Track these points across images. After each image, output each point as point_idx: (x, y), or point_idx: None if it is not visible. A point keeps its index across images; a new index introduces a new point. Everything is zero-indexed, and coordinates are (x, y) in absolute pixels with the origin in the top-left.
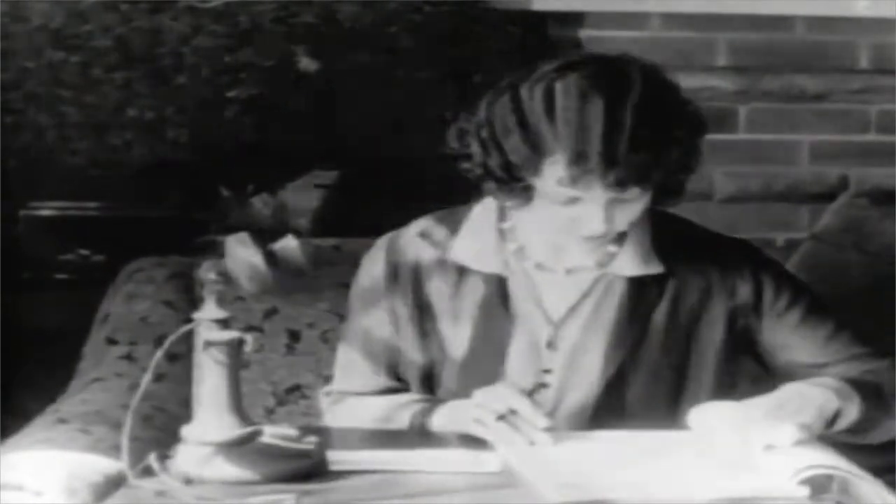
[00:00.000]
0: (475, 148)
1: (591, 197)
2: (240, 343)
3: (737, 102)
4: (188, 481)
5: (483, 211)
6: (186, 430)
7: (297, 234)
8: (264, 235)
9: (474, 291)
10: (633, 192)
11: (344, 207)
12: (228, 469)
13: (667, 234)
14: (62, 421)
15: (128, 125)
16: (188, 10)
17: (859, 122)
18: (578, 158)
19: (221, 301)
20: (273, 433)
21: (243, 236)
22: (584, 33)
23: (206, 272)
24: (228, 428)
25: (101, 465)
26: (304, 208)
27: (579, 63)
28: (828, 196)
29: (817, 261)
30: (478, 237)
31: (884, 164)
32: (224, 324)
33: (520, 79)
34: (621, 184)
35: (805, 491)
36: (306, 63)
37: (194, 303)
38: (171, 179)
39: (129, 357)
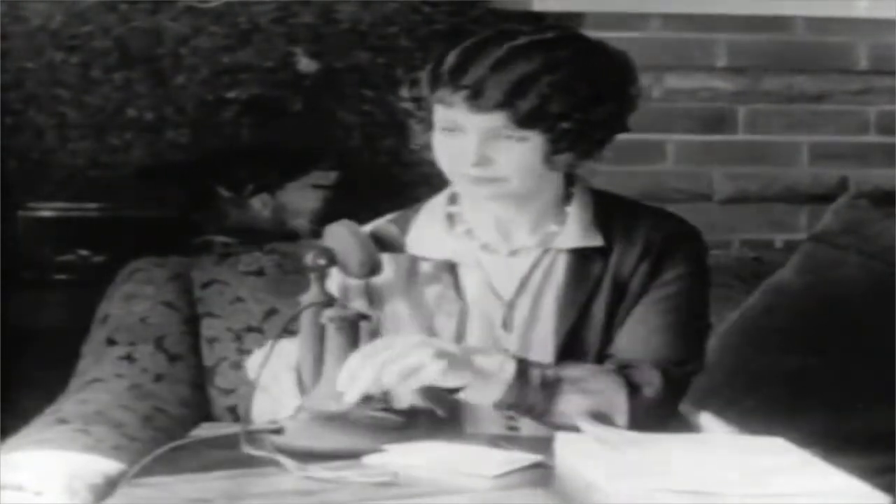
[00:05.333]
0: (405, 89)
1: (468, 128)
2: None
3: (736, 103)
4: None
5: (434, 201)
6: (307, 402)
7: (296, 235)
8: (264, 236)
9: (427, 280)
10: (501, 124)
11: (343, 208)
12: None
13: (610, 212)
14: (62, 421)
15: (127, 126)
16: (187, 10)
17: (859, 123)
18: (437, 67)
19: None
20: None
21: (348, 223)
22: (584, 34)
23: (316, 259)
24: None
25: (101, 465)
26: (304, 209)
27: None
28: (827, 197)
29: (817, 261)
30: (428, 225)
31: (883, 164)
32: (332, 303)
33: None
34: (477, 98)
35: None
36: (306, 63)
37: (194, 303)
38: (171, 180)
39: (128, 357)
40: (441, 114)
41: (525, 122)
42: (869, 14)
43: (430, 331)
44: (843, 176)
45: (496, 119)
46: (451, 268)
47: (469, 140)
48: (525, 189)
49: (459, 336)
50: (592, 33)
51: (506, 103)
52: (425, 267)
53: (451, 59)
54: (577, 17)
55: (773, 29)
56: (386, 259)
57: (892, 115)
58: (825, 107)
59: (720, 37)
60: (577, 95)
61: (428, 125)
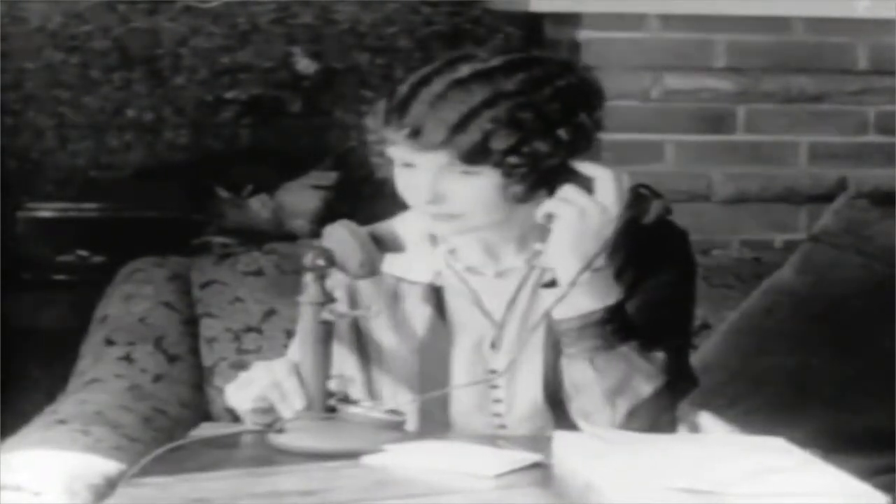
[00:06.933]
0: (369, 119)
1: (418, 165)
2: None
3: (735, 103)
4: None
5: (409, 216)
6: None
7: (295, 235)
8: (263, 236)
9: (410, 303)
10: (447, 161)
11: (342, 208)
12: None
13: None
14: (61, 421)
15: (126, 126)
16: (186, 10)
17: (858, 123)
18: (388, 102)
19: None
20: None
21: (348, 223)
22: (582, 34)
23: (315, 259)
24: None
25: (101, 465)
26: (302, 209)
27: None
28: (826, 197)
29: (817, 261)
30: (410, 245)
31: (883, 164)
32: (331, 303)
33: None
34: (417, 137)
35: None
36: (305, 64)
37: (193, 303)
38: (170, 180)
39: (127, 358)
40: (393, 151)
41: (469, 158)
42: (869, 14)
43: (416, 353)
44: (843, 176)
45: (441, 157)
46: (435, 291)
47: (421, 177)
48: (489, 222)
49: (444, 355)
50: (590, 34)
51: (447, 141)
52: (408, 290)
53: (397, 94)
54: (574, 18)
55: (773, 29)
56: (366, 283)
57: (891, 115)
58: (825, 107)
59: (719, 37)
60: (521, 128)
61: (389, 160)
